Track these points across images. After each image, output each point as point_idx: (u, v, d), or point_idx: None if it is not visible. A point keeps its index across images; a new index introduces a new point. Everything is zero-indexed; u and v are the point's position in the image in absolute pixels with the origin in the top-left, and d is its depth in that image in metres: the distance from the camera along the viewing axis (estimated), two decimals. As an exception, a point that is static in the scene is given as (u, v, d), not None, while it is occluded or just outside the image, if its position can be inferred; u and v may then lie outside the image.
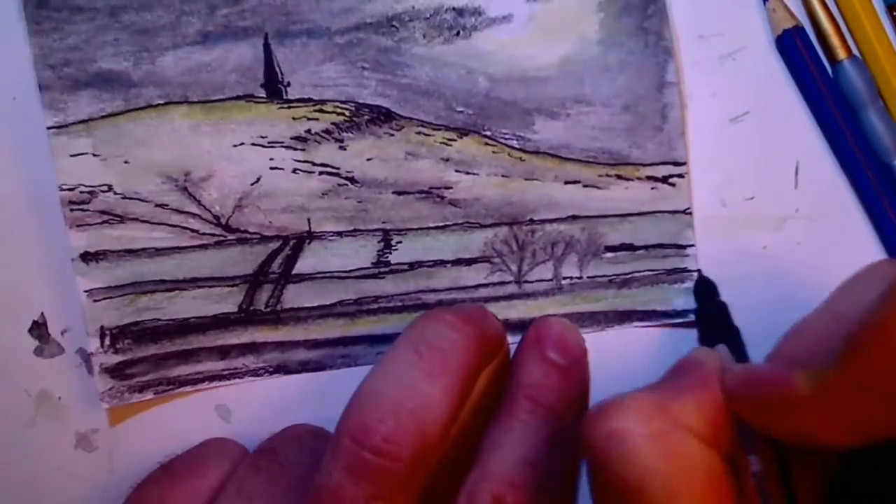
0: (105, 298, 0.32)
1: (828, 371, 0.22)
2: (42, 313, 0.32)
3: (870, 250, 0.34)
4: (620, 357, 0.33)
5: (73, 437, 0.33)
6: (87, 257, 0.31)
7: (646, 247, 0.33)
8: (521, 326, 0.33)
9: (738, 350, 0.31)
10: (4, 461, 0.33)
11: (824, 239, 0.34)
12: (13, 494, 0.33)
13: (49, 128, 0.31)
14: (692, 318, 0.33)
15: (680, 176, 0.33)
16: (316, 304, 0.33)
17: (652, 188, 0.33)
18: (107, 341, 0.32)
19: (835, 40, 0.33)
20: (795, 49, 0.33)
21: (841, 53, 0.33)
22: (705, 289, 0.33)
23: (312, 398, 0.33)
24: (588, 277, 0.33)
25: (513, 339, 0.33)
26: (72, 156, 0.31)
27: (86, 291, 0.32)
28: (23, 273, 0.32)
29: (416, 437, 0.26)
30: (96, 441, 0.33)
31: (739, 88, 0.34)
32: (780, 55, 0.33)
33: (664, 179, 0.33)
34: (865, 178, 0.33)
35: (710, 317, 0.33)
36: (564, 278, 0.33)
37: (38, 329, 0.32)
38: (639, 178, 0.33)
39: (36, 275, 0.32)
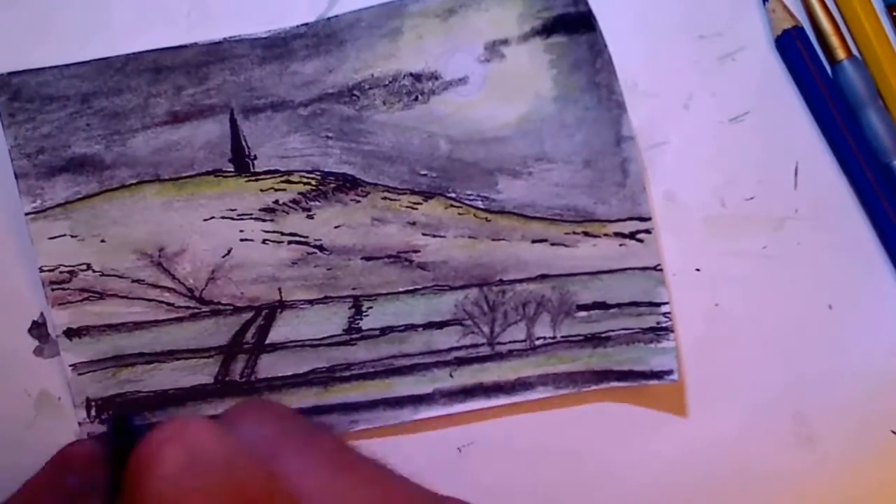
0: (89, 371, 0.33)
1: None
2: (42, 313, 0.33)
3: (869, 250, 0.33)
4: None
5: (73, 438, 0.33)
6: (70, 333, 0.33)
7: (619, 305, 0.32)
8: (495, 389, 0.32)
9: None
10: (4, 461, 0.33)
11: (824, 239, 0.33)
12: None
13: (27, 213, 0.32)
14: (671, 379, 0.32)
15: (647, 231, 0.31)
16: (290, 373, 0.33)
17: (620, 245, 0.32)
18: (93, 412, 0.33)
19: (834, 40, 0.33)
20: (795, 49, 0.32)
21: (840, 53, 0.33)
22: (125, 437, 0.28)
23: (289, 466, 0.33)
24: (562, 337, 0.32)
25: (486, 404, 0.32)
26: (50, 238, 0.32)
27: (70, 366, 0.33)
28: (22, 274, 0.33)
29: None
30: (96, 441, 0.33)
31: (739, 88, 0.33)
32: (780, 55, 0.33)
33: (631, 235, 0.32)
34: (865, 179, 0.33)
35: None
36: (538, 338, 0.32)
37: (38, 329, 0.33)
38: (606, 235, 0.32)
39: (35, 276, 0.33)
